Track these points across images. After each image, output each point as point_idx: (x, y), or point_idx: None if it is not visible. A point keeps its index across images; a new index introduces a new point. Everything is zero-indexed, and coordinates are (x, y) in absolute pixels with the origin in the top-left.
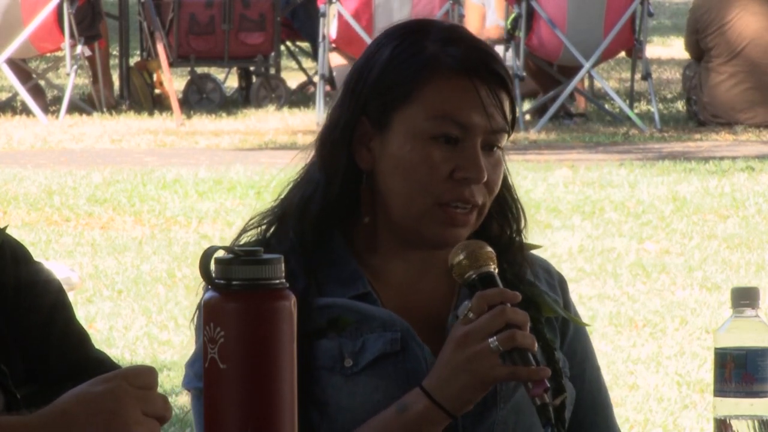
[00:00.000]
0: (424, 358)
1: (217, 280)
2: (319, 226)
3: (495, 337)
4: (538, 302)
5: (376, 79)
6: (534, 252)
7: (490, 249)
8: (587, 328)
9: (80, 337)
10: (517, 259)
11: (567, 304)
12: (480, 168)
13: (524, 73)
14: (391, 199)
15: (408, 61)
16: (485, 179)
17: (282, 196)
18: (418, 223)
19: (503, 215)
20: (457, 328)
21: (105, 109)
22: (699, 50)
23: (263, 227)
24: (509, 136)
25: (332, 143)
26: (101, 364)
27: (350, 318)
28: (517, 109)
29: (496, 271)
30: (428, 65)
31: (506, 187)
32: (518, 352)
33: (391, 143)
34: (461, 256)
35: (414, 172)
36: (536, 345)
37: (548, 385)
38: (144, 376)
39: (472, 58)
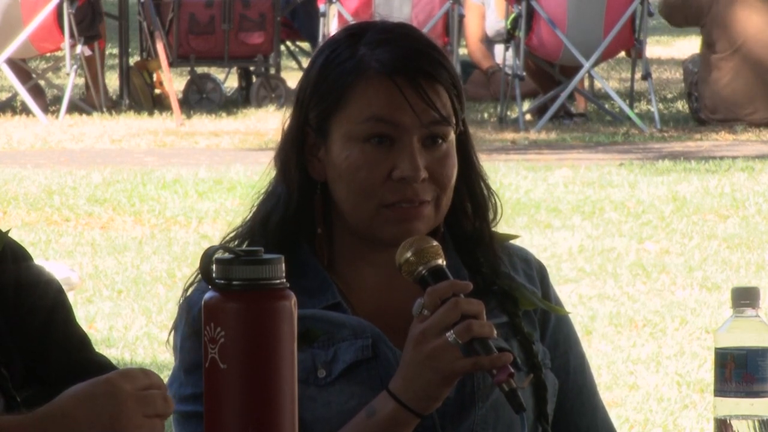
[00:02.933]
0: (396, 362)
1: (217, 280)
2: (282, 239)
3: (452, 331)
4: (515, 296)
5: (313, 89)
6: (514, 242)
7: (436, 243)
8: (576, 316)
9: (81, 339)
10: (489, 251)
11: (547, 292)
12: (416, 167)
13: (524, 73)
14: (342, 205)
15: (339, 67)
16: (425, 177)
17: (252, 211)
18: (370, 226)
19: (474, 208)
20: (414, 327)
21: (105, 109)
22: (689, 17)
23: (236, 243)
24: (457, 126)
25: (285, 156)
26: (102, 368)
27: (320, 329)
28: (517, 109)
29: (445, 264)
30: (355, 70)
31: (476, 178)
32: (478, 342)
33: (332, 151)
34: (408, 254)
35: (354, 176)
36: (494, 331)
37: (512, 370)
38: (142, 379)
39: (395, 58)
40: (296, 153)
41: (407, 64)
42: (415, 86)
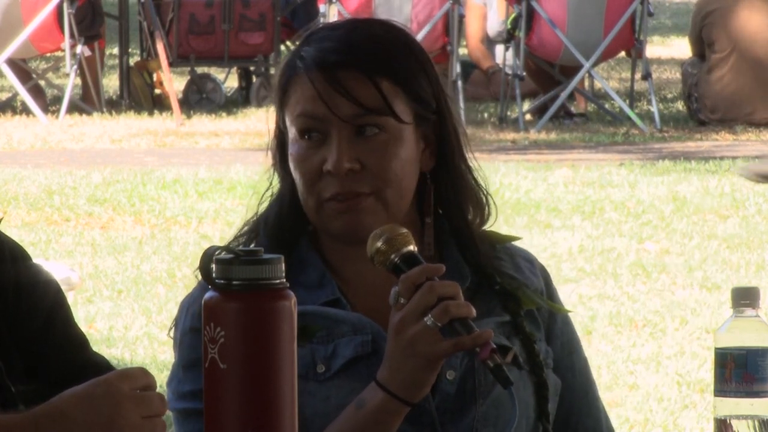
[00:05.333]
0: None
1: (217, 280)
2: (280, 236)
3: (429, 315)
4: (518, 295)
5: (273, 92)
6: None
7: (405, 230)
8: (576, 316)
9: (80, 340)
10: (487, 249)
11: (551, 293)
12: (337, 159)
13: (524, 73)
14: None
15: (281, 68)
16: (352, 168)
17: (261, 210)
18: (319, 222)
19: (466, 203)
20: (393, 316)
21: (105, 109)
22: (702, 47)
23: (243, 240)
24: (393, 114)
25: (274, 157)
26: (101, 368)
27: (318, 325)
28: (517, 109)
29: (416, 249)
30: (287, 70)
31: (466, 171)
32: (458, 322)
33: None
34: (378, 243)
35: (296, 173)
36: (473, 311)
37: (494, 345)
38: (141, 379)
39: (313, 56)
40: (280, 154)
41: (323, 58)
42: (329, 80)
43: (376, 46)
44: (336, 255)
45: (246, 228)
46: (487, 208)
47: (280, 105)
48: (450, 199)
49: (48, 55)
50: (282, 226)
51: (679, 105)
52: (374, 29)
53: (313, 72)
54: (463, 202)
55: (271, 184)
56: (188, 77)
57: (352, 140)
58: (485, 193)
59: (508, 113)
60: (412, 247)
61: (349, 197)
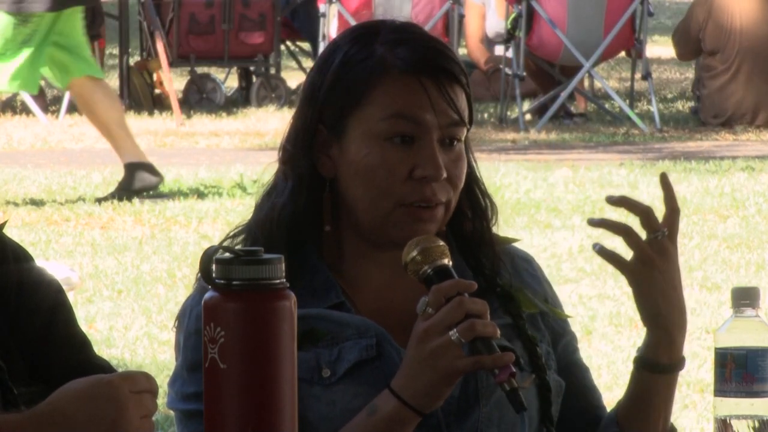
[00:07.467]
0: (401, 362)
1: (217, 280)
2: (289, 237)
3: (455, 329)
4: (518, 298)
5: (329, 86)
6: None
7: (442, 243)
8: (576, 316)
9: (82, 341)
10: (490, 253)
11: (552, 292)
12: (438, 165)
13: (524, 73)
14: (355, 204)
15: (358, 65)
16: (445, 176)
17: (254, 209)
18: (384, 226)
19: (474, 210)
20: (417, 325)
21: None
22: (695, 49)
23: (238, 240)
24: (469, 128)
25: (294, 153)
26: (104, 370)
27: (324, 329)
28: (517, 109)
29: (451, 264)
30: (378, 68)
31: (474, 180)
32: (480, 341)
33: (348, 149)
34: (414, 253)
35: (373, 175)
36: (498, 332)
37: (514, 369)
38: (142, 384)
39: (418, 57)
40: (305, 150)
41: (430, 63)
42: (439, 86)
43: (455, 55)
44: (348, 257)
45: (241, 228)
46: (490, 211)
47: (351, 105)
48: (461, 205)
49: None
50: (294, 226)
51: (679, 105)
52: (434, 36)
53: (422, 75)
54: (473, 207)
55: (304, 184)
56: (188, 77)
57: (439, 148)
58: (489, 198)
59: (508, 113)
60: (447, 261)
61: (432, 204)
